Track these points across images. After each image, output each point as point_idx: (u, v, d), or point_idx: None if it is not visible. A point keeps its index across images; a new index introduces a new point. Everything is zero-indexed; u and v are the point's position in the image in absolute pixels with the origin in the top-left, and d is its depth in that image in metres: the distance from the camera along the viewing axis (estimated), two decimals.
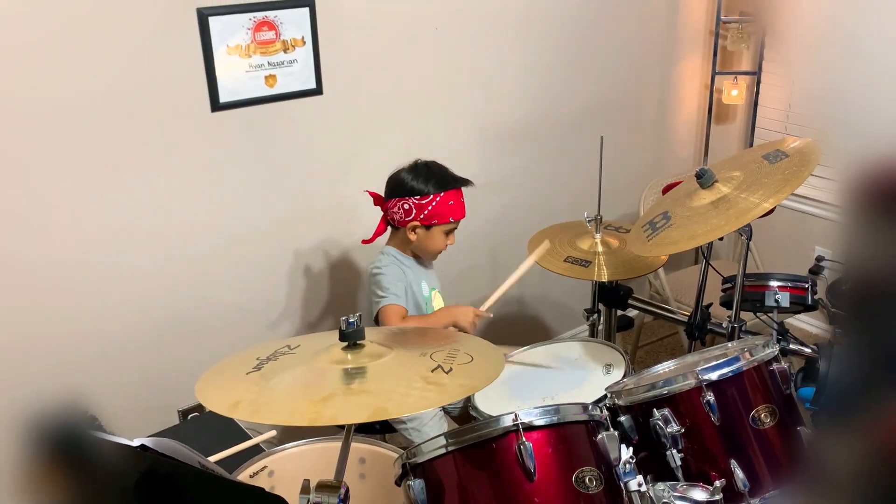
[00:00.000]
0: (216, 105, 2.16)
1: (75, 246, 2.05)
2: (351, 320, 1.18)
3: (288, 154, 2.35)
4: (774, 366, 1.57)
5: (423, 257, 2.17)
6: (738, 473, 1.45)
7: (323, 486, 1.08)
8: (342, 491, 1.07)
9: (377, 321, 2.07)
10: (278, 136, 2.32)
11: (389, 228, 2.16)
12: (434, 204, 2.03)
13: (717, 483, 1.41)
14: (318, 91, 2.35)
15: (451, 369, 1.12)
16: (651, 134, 3.33)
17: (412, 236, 2.08)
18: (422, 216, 2.04)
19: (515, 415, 1.26)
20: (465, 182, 2.09)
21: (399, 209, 2.05)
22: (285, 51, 2.24)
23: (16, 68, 1.86)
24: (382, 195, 2.12)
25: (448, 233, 2.10)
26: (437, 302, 2.19)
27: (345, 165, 2.48)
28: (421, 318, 2.10)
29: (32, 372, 2.05)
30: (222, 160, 2.23)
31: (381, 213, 2.13)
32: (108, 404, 2.15)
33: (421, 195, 2.03)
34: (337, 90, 2.38)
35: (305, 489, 1.09)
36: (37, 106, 1.91)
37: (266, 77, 2.23)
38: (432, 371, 1.12)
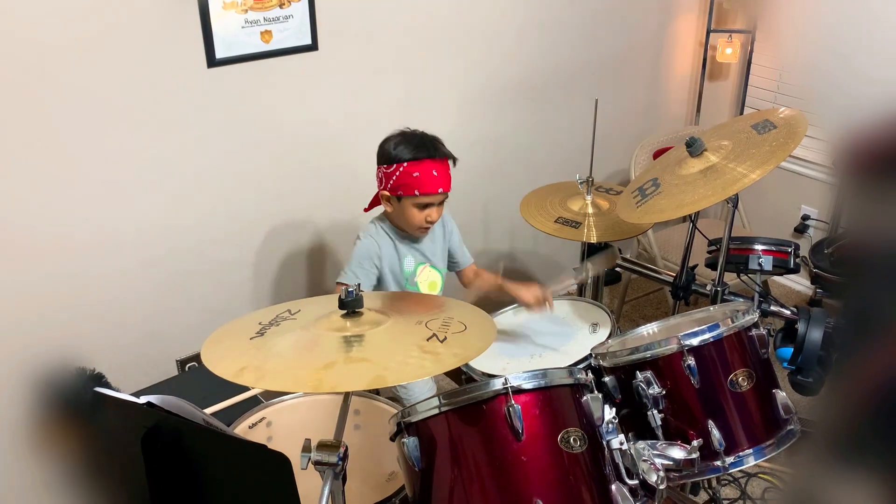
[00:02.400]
0: (212, 61, 2.16)
1: (72, 203, 2.08)
2: (350, 289, 1.22)
3: (284, 109, 2.36)
4: (754, 331, 1.64)
5: (407, 231, 2.07)
6: (715, 433, 1.53)
7: (323, 446, 1.14)
8: (342, 450, 1.13)
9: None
10: (274, 91, 2.32)
11: None
12: (398, 174, 1.94)
13: (695, 442, 1.49)
14: (313, 47, 2.35)
15: (445, 338, 1.18)
16: (644, 92, 3.34)
17: (387, 207, 2.03)
18: (389, 186, 1.96)
19: (505, 379, 1.32)
20: (441, 153, 1.97)
21: (376, 177, 2.01)
22: (281, 6, 2.23)
23: (10, 25, 1.85)
24: None
25: (421, 207, 1.98)
26: (424, 276, 2.14)
27: (341, 121, 2.49)
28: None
29: (33, 325, 2.09)
30: (219, 116, 2.24)
31: None
32: (108, 356, 2.21)
33: (387, 164, 1.96)
34: (332, 46, 2.38)
35: (306, 448, 1.15)
36: (32, 63, 1.91)
37: (262, 33, 2.22)
38: (427, 340, 1.17)
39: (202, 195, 2.29)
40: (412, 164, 1.93)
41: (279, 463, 1.15)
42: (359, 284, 1.26)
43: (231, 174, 2.33)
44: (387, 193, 1.99)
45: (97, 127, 2.05)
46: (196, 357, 2.41)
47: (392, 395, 2.09)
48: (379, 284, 2.10)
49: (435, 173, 1.95)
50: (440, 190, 1.97)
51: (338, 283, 2.05)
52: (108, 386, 1.38)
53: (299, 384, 1.08)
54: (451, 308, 1.41)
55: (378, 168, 2.01)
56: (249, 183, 2.37)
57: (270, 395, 1.95)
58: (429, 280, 2.18)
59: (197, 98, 2.18)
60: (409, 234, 2.09)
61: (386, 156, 1.97)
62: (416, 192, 1.94)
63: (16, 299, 2.05)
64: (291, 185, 2.47)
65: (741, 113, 3.45)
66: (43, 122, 1.97)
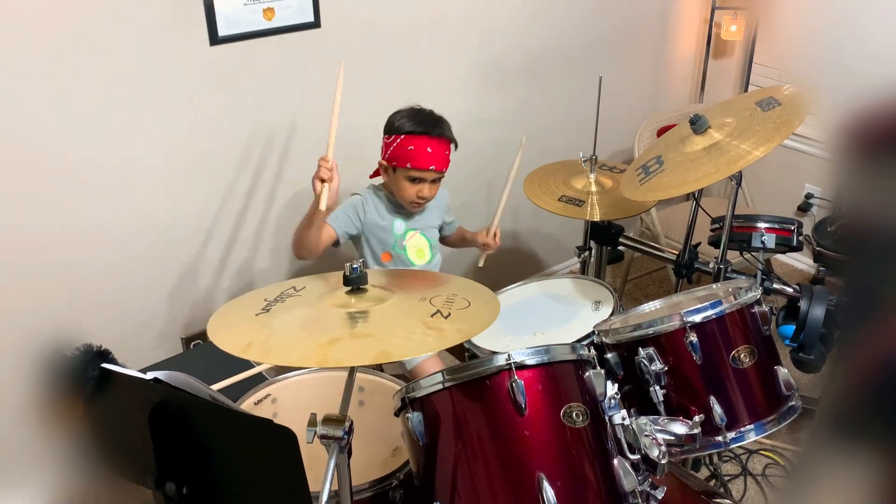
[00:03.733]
0: (215, 39, 2.15)
1: (76, 183, 2.08)
2: (355, 266, 1.23)
3: (286, 88, 2.36)
4: (756, 308, 1.65)
5: (400, 201, 2.13)
6: (717, 409, 1.54)
7: (329, 420, 1.15)
8: (347, 424, 1.15)
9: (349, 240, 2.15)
10: (276, 69, 2.31)
11: None
12: (395, 145, 2.02)
13: (697, 418, 1.51)
14: (315, 24, 2.33)
15: (449, 314, 1.19)
16: (648, 69, 3.33)
17: (384, 176, 2.10)
18: (386, 155, 2.05)
19: (508, 354, 1.33)
20: (441, 131, 2.02)
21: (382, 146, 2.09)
22: None
23: (14, 5, 1.85)
24: None
25: (412, 181, 2.04)
26: (413, 242, 2.18)
27: (346, 100, 2.48)
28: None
29: (39, 304, 2.10)
30: (221, 94, 2.24)
31: None
32: (113, 333, 2.23)
33: (388, 134, 2.05)
34: (335, 24, 2.37)
35: (312, 422, 1.16)
36: (33, 43, 1.90)
37: (264, 10, 2.21)
38: (432, 316, 1.18)
39: (205, 173, 2.30)
40: (409, 138, 2.01)
41: (285, 437, 1.17)
42: (363, 261, 1.26)
43: (234, 152, 2.33)
44: (384, 162, 2.07)
45: (99, 106, 2.05)
46: (201, 335, 2.43)
47: (399, 373, 2.10)
48: (360, 243, 2.17)
49: (429, 150, 2.01)
50: (432, 167, 2.02)
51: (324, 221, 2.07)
52: (114, 362, 1.39)
53: (305, 359, 1.09)
54: (455, 285, 1.41)
55: (383, 137, 2.08)
56: (253, 160, 2.37)
57: (275, 372, 1.97)
58: (417, 246, 2.21)
59: (199, 76, 2.18)
60: (394, 202, 2.16)
61: (390, 126, 2.06)
62: (408, 165, 2.01)
63: (21, 278, 2.06)
64: (294, 162, 2.47)
65: (745, 91, 3.44)
66: (44, 97, 1.97)
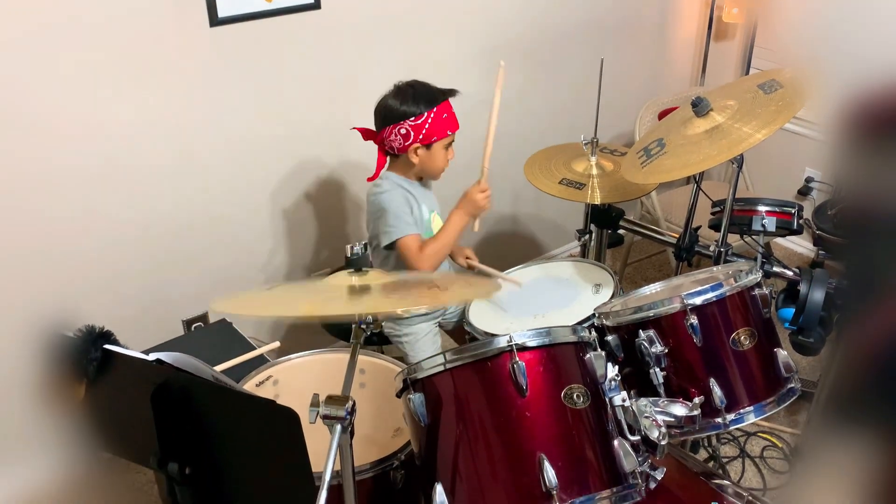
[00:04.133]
0: (214, 20, 2.14)
1: (77, 164, 2.08)
2: (356, 248, 1.23)
3: (286, 70, 2.35)
4: (756, 291, 1.65)
5: (428, 178, 2.15)
6: (717, 391, 1.55)
7: (332, 400, 1.16)
8: (349, 404, 1.15)
9: (388, 249, 2.05)
10: (277, 51, 2.31)
11: (389, 159, 2.13)
12: (430, 122, 2.01)
13: (696, 399, 1.51)
14: (316, 6, 2.32)
15: (447, 288, 1.19)
16: (650, 52, 3.31)
17: (414, 159, 2.06)
18: (421, 136, 2.01)
19: (510, 336, 1.34)
20: (452, 92, 2.07)
21: (396, 136, 2.02)
22: None
23: None
24: (370, 128, 2.08)
25: (447, 147, 2.09)
26: (437, 224, 2.19)
27: (343, 82, 2.48)
28: (437, 237, 2.06)
29: (41, 286, 2.11)
30: (221, 75, 2.23)
31: (377, 146, 2.10)
32: (114, 316, 2.22)
33: (415, 116, 2.00)
34: (335, 5, 2.35)
35: (315, 402, 1.17)
36: (33, 25, 1.89)
37: None
38: (429, 288, 1.19)
39: (206, 156, 2.29)
40: (440, 108, 2.02)
41: (288, 418, 1.17)
42: (366, 244, 1.27)
43: (234, 135, 2.32)
44: (417, 145, 2.02)
45: (98, 88, 2.04)
46: (202, 317, 2.44)
47: (397, 356, 2.11)
48: None
49: (453, 111, 2.07)
50: (458, 125, 2.09)
51: (397, 239, 2.02)
52: (116, 344, 1.40)
53: (299, 308, 1.10)
54: (460, 283, 1.42)
55: (395, 126, 2.01)
56: (253, 143, 2.37)
57: (277, 354, 1.98)
58: (439, 227, 2.19)
59: (199, 57, 2.17)
60: (424, 184, 2.17)
61: (405, 111, 2.00)
62: (449, 133, 2.04)
63: (23, 261, 2.06)
64: (295, 145, 2.46)
65: (746, 74, 3.42)
66: (44, 82, 1.96)
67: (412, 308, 1.19)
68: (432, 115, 2.01)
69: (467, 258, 2.26)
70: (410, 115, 2.00)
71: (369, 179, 2.11)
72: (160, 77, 2.12)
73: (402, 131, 2.01)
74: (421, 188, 2.16)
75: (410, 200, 2.10)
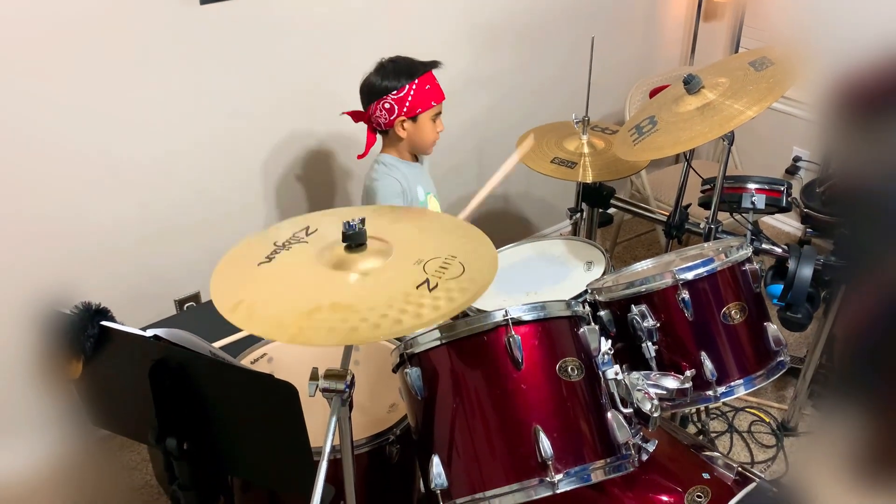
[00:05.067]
0: None
1: (72, 142, 2.07)
2: (353, 223, 1.24)
3: (277, 48, 2.34)
4: (747, 266, 1.67)
5: (418, 153, 2.17)
6: (708, 364, 1.57)
7: (331, 374, 1.17)
8: (348, 378, 1.16)
9: None
10: (267, 29, 2.29)
11: (379, 137, 2.15)
12: (413, 93, 2.02)
13: (688, 373, 1.53)
14: None
15: (436, 285, 1.19)
16: (640, 32, 3.32)
17: (402, 133, 2.08)
18: (405, 109, 2.03)
19: (506, 311, 1.35)
20: (434, 64, 2.08)
21: (381, 111, 2.04)
22: None
23: None
24: (358, 110, 2.10)
25: (434, 119, 2.10)
26: (433, 205, 2.21)
27: (335, 60, 2.47)
28: None
29: (34, 264, 2.10)
30: (212, 54, 2.22)
31: (366, 126, 2.11)
32: (106, 295, 2.21)
33: (397, 90, 2.02)
34: None
35: (314, 376, 1.18)
36: (25, 5, 1.87)
37: None
38: (417, 287, 1.18)
39: (198, 134, 2.28)
40: (422, 79, 2.03)
41: (286, 393, 1.18)
42: (363, 220, 1.27)
43: (225, 113, 2.31)
44: (402, 118, 2.05)
45: (88, 68, 2.02)
46: (194, 297, 2.44)
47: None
48: None
49: (436, 81, 2.08)
50: (444, 96, 2.10)
51: None
52: (112, 320, 1.40)
53: (279, 334, 1.11)
54: (457, 240, 1.38)
55: (379, 102, 2.04)
56: (245, 121, 2.36)
57: None
58: (434, 209, 2.24)
59: (190, 36, 2.15)
60: (418, 162, 2.18)
61: (386, 86, 2.03)
62: (433, 103, 2.06)
63: (17, 239, 2.06)
64: (286, 122, 2.46)
65: (736, 53, 3.44)
66: (34, 63, 1.94)
67: (379, 339, 1.17)
68: (414, 87, 2.02)
69: None
70: (392, 89, 2.02)
71: (359, 157, 2.12)
72: (150, 57, 2.11)
73: (387, 106, 2.03)
74: (416, 168, 2.17)
75: (404, 186, 2.11)
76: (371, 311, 1.14)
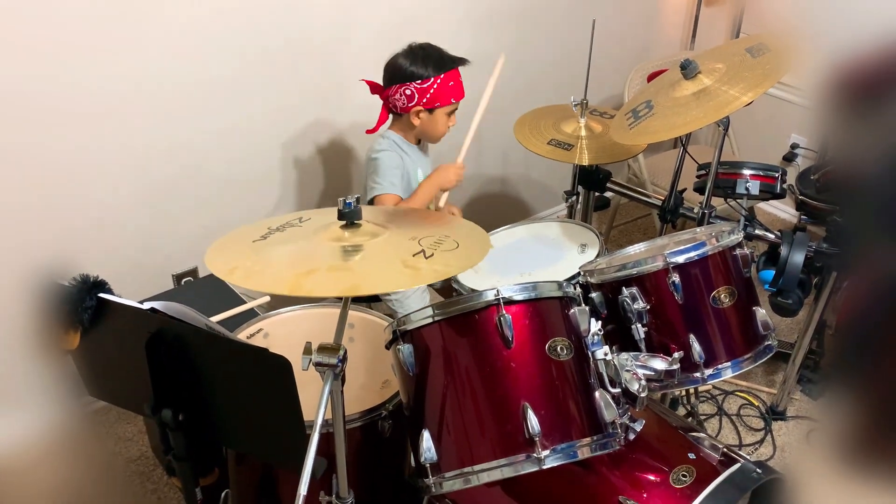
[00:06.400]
0: None
1: (71, 116, 2.07)
2: (349, 201, 1.26)
3: (279, 26, 2.34)
4: (737, 251, 1.69)
5: (427, 141, 2.19)
6: (696, 347, 1.60)
7: (324, 349, 1.19)
8: (341, 353, 1.19)
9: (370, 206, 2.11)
10: (268, 11, 2.29)
11: (391, 116, 2.16)
12: (436, 87, 2.04)
13: (676, 355, 1.56)
14: None
15: (432, 255, 1.21)
16: (641, 14, 3.31)
17: (416, 121, 2.09)
18: (424, 100, 2.04)
19: (497, 290, 1.37)
20: (462, 61, 2.09)
21: (401, 95, 2.05)
22: None
23: None
24: (379, 83, 2.11)
25: (450, 114, 2.12)
26: None
27: (336, 41, 2.47)
28: (409, 200, 2.12)
29: (33, 237, 2.11)
30: (209, 27, 2.21)
31: (381, 102, 2.12)
32: (105, 269, 2.23)
33: (422, 79, 2.03)
34: None
35: (307, 350, 1.20)
36: None
37: None
38: (413, 255, 1.21)
39: (196, 110, 2.29)
40: (448, 75, 2.05)
41: (280, 366, 1.21)
42: (358, 198, 1.29)
43: (223, 87, 2.31)
44: (420, 108, 2.06)
45: (91, 38, 2.03)
46: (192, 272, 2.46)
47: (387, 313, 2.14)
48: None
49: (461, 79, 2.10)
50: (464, 94, 2.11)
51: (375, 195, 2.08)
52: (110, 293, 1.42)
53: (279, 286, 1.13)
54: (452, 226, 1.43)
55: (402, 86, 2.05)
56: (243, 96, 2.36)
57: (267, 308, 2.01)
58: None
59: (191, 8, 2.15)
60: (422, 147, 2.21)
61: (413, 72, 2.03)
62: (453, 101, 2.08)
63: (17, 212, 2.07)
64: (284, 98, 2.46)
65: (737, 38, 3.43)
66: (32, 33, 1.95)
67: (384, 290, 1.21)
68: (439, 81, 2.04)
69: (451, 214, 2.29)
70: (418, 78, 2.03)
71: (368, 132, 2.15)
72: (154, 23, 2.11)
73: (408, 92, 2.04)
74: (418, 152, 2.20)
75: (406, 162, 2.14)
76: (369, 272, 1.18)
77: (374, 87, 2.11)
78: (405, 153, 2.15)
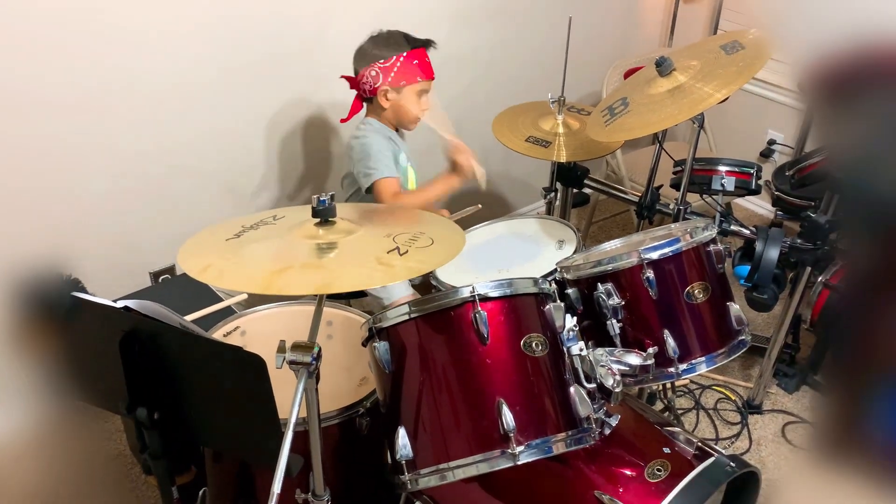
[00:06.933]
0: None
1: (49, 111, 2.05)
2: (323, 198, 1.26)
3: (256, 23, 2.33)
4: (711, 247, 1.71)
5: (401, 126, 2.18)
6: (670, 342, 1.61)
7: (298, 347, 1.19)
8: (315, 351, 1.19)
9: (368, 193, 2.10)
10: (246, 11, 2.28)
11: (365, 105, 2.16)
12: (399, 64, 2.05)
13: (650, 350, 1.58)
14: None
15: (406, 252, 1.22)
16: (619, 11, 3.32)
17: (385, 102, 2.09)
18: (390, 78, 2.05)
19: (473, 287, 1.38)
20: (428, 42, 2.10)
21: (367, 77, 2.06)
22: None
23: None
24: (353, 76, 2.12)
25: (420, 95, 2.12)
26: (412, 177, 2.23)
27: (314, 36, 2.46)
28: (421, 192, 2.10)
29: (9, 235, 2.09)
30: (195, 32, 2.20)
31: (355, 91, 2.13)
32: (81, 266, 2.22)
33: (385, 59, 2.05)
34: None
35: (281, 349, 1.20)
36: None
37: None
38: (388, 252, 1.21)
39: (174, 109, 2.27)
40: (412, 53, 2.05)
41: (255, 365, 1.20)
42: (332, 195, 1.29)
43: (200, 84, 2.30)
44: (387, 87, 2.06)
45: (67, 34, 2.01)
46: (169, 269, 2.44)
47: (366, 309, 2.14)
48: None
49: (427, 60, 2.09)
50: (433, 76, 2.11)
51: (374, 180, 2.05)
52: (84, 291, 1.41)
53: (251, 285, 1.13)
54: (426, 223, 1.43)
55: (368, 69, 2.06)
56: (220, 93, 2.35)
57: (244, 306, 2.00)
58: (411, 179, 2.25)
59: (167, 12, 2.14)
60: (401, 134, 2.20)
61: (376, 53, 2.05)
62: (419, 79, 2.08)
63: None
64: (263, 98, 2.45)
65: (714, 35, 3.46)
66: (9, 41, 1.93)
67: (356, 287, 1.21)
68: (402, 59, 2.05)
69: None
70: (381, 58, 2.05)
71: (342, 121, 2.16)
72: (133, 23, 2.09)
73: (373, 73, 2.05)
74: (399, 139, 2.20)
75: (394, 145, 2.13)
76: (342, 269, 1.18)
77: (351, 82, 2.12)
78: (389, 136, 2.15)
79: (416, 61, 2.06)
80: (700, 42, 2.11)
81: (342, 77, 2.12)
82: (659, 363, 1.61)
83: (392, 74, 2.05)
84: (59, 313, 1.39)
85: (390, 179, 2.06)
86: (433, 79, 2.11)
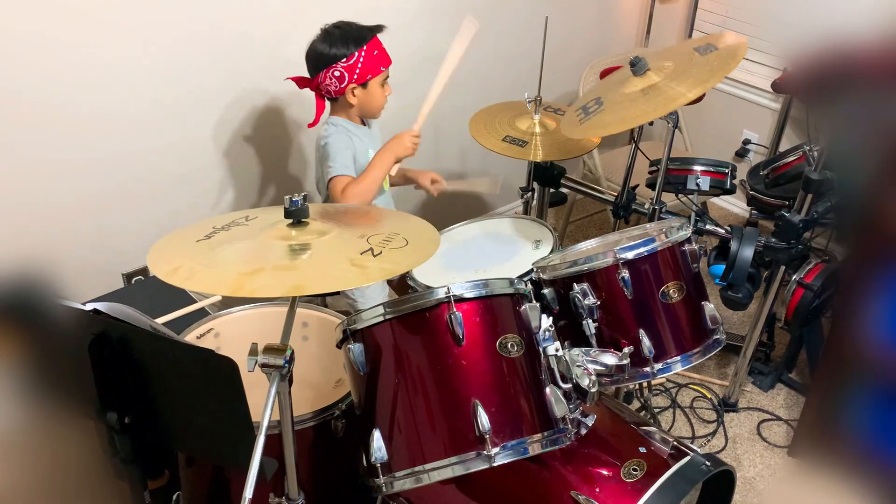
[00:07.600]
0: None
1: (16, 112, 2.02)
2: (295, 199, 1.24)
3: (229, 19, 2.30)
4: (686, 246, 1.72)
5: (368, 117, 2.17)
6: (646, 342, 1.62)
7: (270, 349, 1.18)
8: (287, 353, 1.17)
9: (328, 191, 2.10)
10: (212, 10, 2.25)
11: (328, 103, 2.15)
12: (362, 60, 2.02)
13: (626, 349, 1.58)
14: None
15: (380, 253, 1.21)
16: (595, 12, 3.33)
17: (353, 100, 2.08)
18: (355, 76, 2.03)
19: (448, 288, 1.37)
20: (379, 28, 2.08)
21: (331, 80, 2.03)
22: None
23: None
24: (305, 77, 2.09)
25: (383, 83, 2.11)
26: None
27: (287, 33, 2.44)
28: (360, 179, 2.07)
29: None
30: (160, 35, 2.17)
31: (314, 93, 2.10)
32: (53, 268, 2.18)
33: (346, 57, 2.01)
34: None
35: (253, 351, 1.18)
36: None
37: None
38: (361, 254, 1.20)
39: (146, 106, 2.25)
40: (370, 45, 2.03)
41: (227, 368, 1.19)
42: (305, 196, 1.27)
43: (173, 84, 2.28)
44: (353, 85, 2.05)
45: (37, 29, 1.98)
46: (142, 270, 2.41)
47: (341, 309, 2.13)
48: None
49: (382, 46, 2.08)
50: (390, 60, 2.10)
51: (333, 177, 2.04)
52: (54, 293, 1.39)
53: (221, 287, 1.11)
54: (400, 223, 1.42)
55: (328, 70, 2.02)
56: (193, 93, 2.33)
57: (218, 307, 1.98)
58: None
59: (133, 17, 2.11)
60: (368, 126, 2.19)
61: (335, 54, 2.01)
62: (382, 69, 2.06)
63: None
64: (235, 94, 2.43)
65: (690, 36, 3.48)
66: None
67: (329, 289, 1.19)
68: (363, 54, 2.02)
69: (433, 181, 2.28)
70: (342, 57, 2.01)
71: (310, 125, 2.12)
72: (97, 20, 2.06)
73: (336, 74, 2.02)
74: (366, 131, 2.17)
75: (355, 143, 2.11)
76: (315, 271, 1.16)
77: (301, 82, 2.09)
78: (353, 134, 2.12)
79: (375, 51, 2.04)
80: (676, 45, 2.12)
81: (289, 79, 2.08)
82: (634, 363, 1.61)
83: (357, 72, 2.02)
84: (28, 316, 1.36)
85: (340, 177, 2.03)
86: (390, 64, 2.09)
